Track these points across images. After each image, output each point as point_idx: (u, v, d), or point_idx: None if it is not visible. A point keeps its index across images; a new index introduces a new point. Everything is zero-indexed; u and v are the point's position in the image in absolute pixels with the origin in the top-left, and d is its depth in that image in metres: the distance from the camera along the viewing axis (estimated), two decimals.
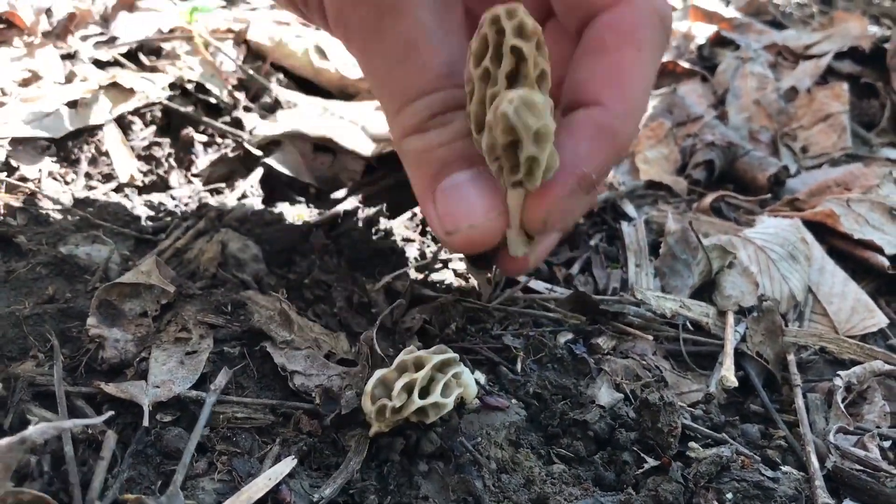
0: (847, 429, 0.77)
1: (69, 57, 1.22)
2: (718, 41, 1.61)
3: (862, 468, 0.72)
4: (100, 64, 1.21)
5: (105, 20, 1.38)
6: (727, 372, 0.80)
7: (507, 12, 0.56)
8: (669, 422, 0.71)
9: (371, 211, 0.98)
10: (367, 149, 1.03)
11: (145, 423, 0.63)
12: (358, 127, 1.06)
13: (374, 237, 0.94)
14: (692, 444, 0.72)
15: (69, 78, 1.13)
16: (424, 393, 0.63)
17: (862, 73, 1.47)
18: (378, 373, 0.63)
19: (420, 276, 0.89)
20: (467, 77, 0.59)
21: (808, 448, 0.73)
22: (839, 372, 0.83)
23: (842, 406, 0.79)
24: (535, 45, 0.57)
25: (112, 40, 1.27)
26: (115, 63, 1.22)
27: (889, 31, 1.64)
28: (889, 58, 1.45)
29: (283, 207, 0.97)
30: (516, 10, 0.56)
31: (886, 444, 0.77)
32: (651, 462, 0.69)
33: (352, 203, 1.00)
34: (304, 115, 1.09)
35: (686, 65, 1.48)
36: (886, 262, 1.00)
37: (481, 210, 0.63)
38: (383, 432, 0.64)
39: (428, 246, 0.94)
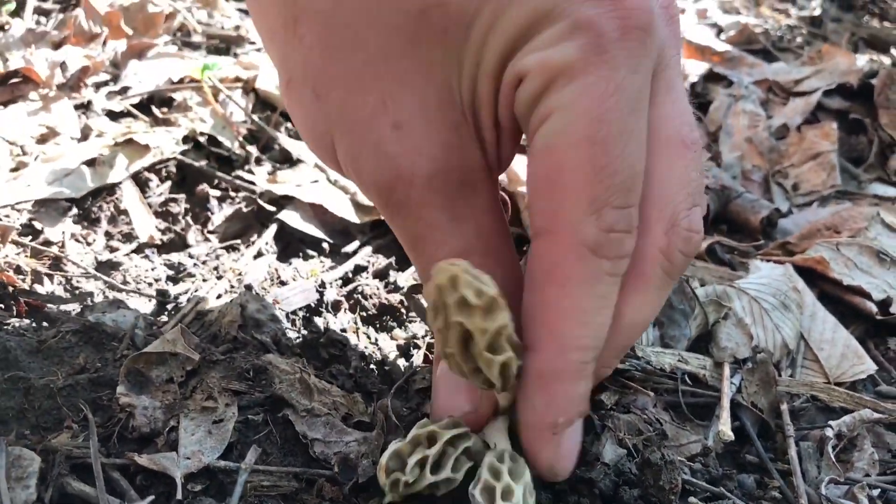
0: (838, 480, 0.82)
1: (82, 107, 1.26)
2: (711, 76, 1.66)
3: None
4: (113, 115, 1.25)
5: (115, 65, 1.42)
6: (724, 426, 0.84)
7: (450, 281, 0.54)
8: (670, 479, 0.75)
9: (381, 264, 1.03)
10: (356, 218, 1.08)
11: (178, 496, 0.67)
12: (347, 197, 1.10)
13: (385, 291, 0.98)
14: (692, 499, 0.77)
15: (85, 133, 1.18)
16: (436, 467, 0.66)
17: (850, 109, 1.52)
18: (393, 445, 0.66)
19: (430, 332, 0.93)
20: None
21: (801, 500, 0.78)
22: (830, 422, 0.88)
23: (832, 456, 0.84)
24: (484, 311, 0.55)
25: (124, 90, 1.31)
26: (128, 114, 1.26)
27: (875, 63, 1.69)
28: (876, 94, 1.49)
29: (297, 263, 1.02)
30: (458, 278, 0.54)
31: (875, 492, 0.82)
32: None
33: (363, 256, 1.04)
34: (301, 177, 1.13)
35: None
36: (874, 308, 1.04)
37: (453, 404, 0.68)
38: (396, 502, 0.67)
39: None
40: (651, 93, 0.60)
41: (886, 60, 1.87)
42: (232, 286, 0.95)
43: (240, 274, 0.97)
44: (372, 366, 0.88)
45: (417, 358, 0.89)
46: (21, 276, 0.90)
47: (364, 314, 0.95)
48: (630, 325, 0.64)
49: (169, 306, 0.92)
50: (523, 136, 0.63)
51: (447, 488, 0.66)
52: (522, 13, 0.56)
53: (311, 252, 1.05)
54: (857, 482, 0.81)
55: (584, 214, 0.56)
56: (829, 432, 0.86)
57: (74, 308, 0.89)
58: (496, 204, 0.66)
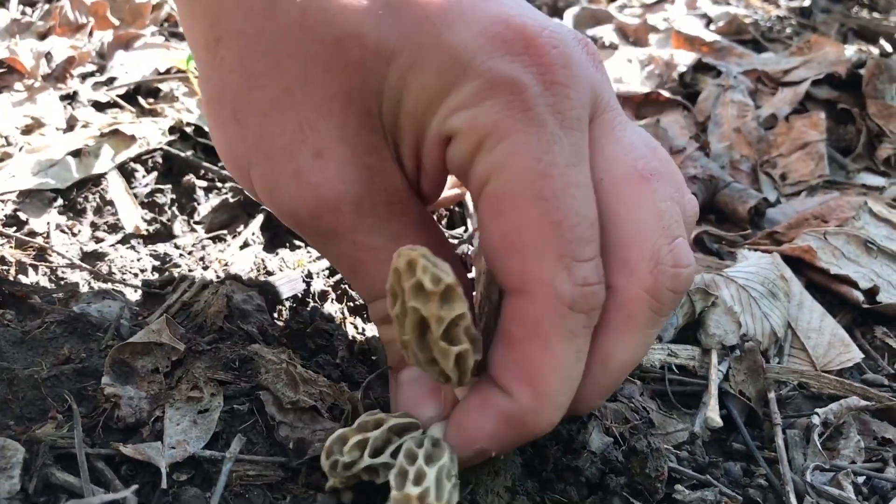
0: (823, 466, 0.82)
1: (68, 98, 1.25)
2: (700, 66, 1.66)
3: None
4: (99, 106, 1.25)
5: (102, 56, 1.41)
6: (712, 413, 0.84)
7: (408, 265, 0.53)
8: (656, 467, 0.76)
9: None
10: None
11: (163, 485, 0.67)
12: None
13: None
14: (678, 486, 0.77)
15: (70, 123, 1.17)
16: (376, 452, 0.64)
17: (839, 99, 1.52)
18: (339, 431, 0.64)
19: None
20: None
21: (787, 487, 0.78)
22: (817, 409, 0.88)
23: (818, 444, 0.84)
24: (440, 299, 0.54)
25: (110, 81, 1.30)
26: (114, 105, 1.25)
27: (863, 53, 1.69)
28: (864, 84, 1.50)
29: (284, 253, 1.01)
30: (415, 263, 0.53)
31: (860, 479, 0.82)
32: None
33: None
34: None
35: (668, 94, 1.52)
36: (861, 297, 1.05)
37: (417, 408, 0.67)
38: (337, 487, 0.65)
39: None
40: (592, 139, 0.59)
41: (875, 50, 1.87)
42: (218, 276, 0.95)
43: (226, 264, 0.97)
44: (359, 356, 0.87)
45: None
46: (5, 267, 0.89)
47: (351, 304, 0.95)
48: (619, 367, 0.63)
49: (155, 297, 0.91)
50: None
51: (386, 474, 0.63)
52: (439, 64, 0.56)
53: (297, 242, 1.04)
54: (842, 469, 0.81)
55: (555, 272, 0.55)
56: (816, 420, 0.86)
57: (59, 298, 0.88)
58: (430, 221, 0.66)
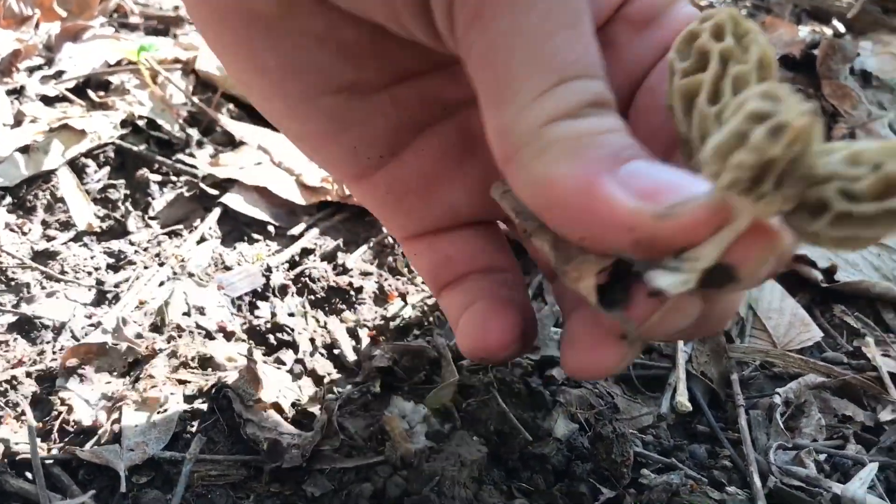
0: (786, 445, 0.83)
1: (15, 92, 1.22)
2: None
3: (801, 484, 0.78)
4: (47, 100, 1.21)
5: (49, 49, 1.37)
6: (681, 397, 0.85)
7: (740, 17, 0.49)
8: (622, 452, 0.76)
9: (329, 246, 1.01)
10: (301, 199, 1.07)
11: (122, 489, 0.65)
12: (293, 178, 1.08)
13: (334, 273, 0.97)
14: (644, 470, 0.77)
15: (18, 119, 1.14)
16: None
17: (794, 80, 1.53)
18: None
19: (380, 312, 0.92)
20: (688, 49, 0.49)
21: (751, 468, 0.79)
22: (777, 389, 0.89)
23: (780, 423, 0.85)
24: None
25: (58, 74, 1.27)
26: (63, 99, 1.22)
27: (817, 34, 1.70)
28: (818, 65, 1.51)
29: (242, 247, 0.99)
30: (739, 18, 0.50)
31: (822, 456, 0.83)
32: (607, 493, 0.74)
33: (309, 239, 1.02)
34: (244, 160, 1.11)
35: None
36: (820, 276, 1.06)
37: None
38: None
39: (386, 279, 0.97)
40: None
41: (828, 31, 1.89)
42: (175, 273, 0.93)
43: (182, 260, 0.95)
44: (321, 350, 0.86)
45: (366, 340, 0.88)
46: None
47: (312, 297, 0.94)
48: None
49: (109, 295, 0.89)
50: None
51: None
52: None
53: (256, 236, 1.03)
54: (804, 447, 0.82)
55: None
56: (777, 399, 0.87)
57: (10, 300, 0.86)
58: None
